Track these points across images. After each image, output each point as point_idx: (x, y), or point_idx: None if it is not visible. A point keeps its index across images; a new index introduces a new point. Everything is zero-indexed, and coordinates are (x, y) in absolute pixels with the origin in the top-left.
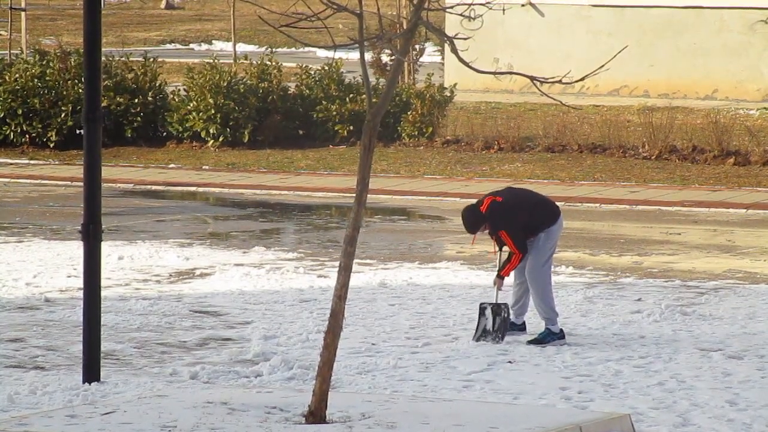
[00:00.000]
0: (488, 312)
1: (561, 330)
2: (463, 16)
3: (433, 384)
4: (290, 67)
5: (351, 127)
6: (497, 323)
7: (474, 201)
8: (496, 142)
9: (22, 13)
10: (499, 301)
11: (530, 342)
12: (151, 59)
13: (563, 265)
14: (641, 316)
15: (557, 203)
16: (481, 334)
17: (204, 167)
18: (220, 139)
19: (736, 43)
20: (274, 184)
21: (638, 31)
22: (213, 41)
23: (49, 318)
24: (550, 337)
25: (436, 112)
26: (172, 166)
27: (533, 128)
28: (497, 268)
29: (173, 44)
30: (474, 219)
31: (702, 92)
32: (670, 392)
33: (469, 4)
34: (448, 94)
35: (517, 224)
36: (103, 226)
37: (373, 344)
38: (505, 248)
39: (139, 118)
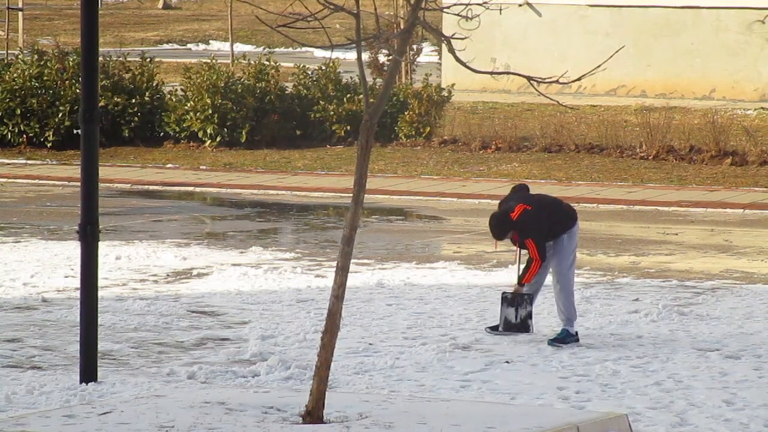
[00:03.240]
0: (510, 303)
1: (576, 332)
2: (461, 16)
3: (431, 384)
4: (287, 67)
5: (348, 127)
6: (520, 315)
7: (500, 209)
8: (494, 142)
9: (20, 13)
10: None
11: (551, 341)
12: (149, 59)
13: None
14: (638, 316)
15: None
16: (505, 326)
17: (201, 167)
18: (218, 139)
19: (733, 43)
20: (272, 184)
21: (635, 31)
22: (210, 41)
23: (47, 318)
24: (570, 337)
25: (433, 112)
26: (169, 166)
27: (530, 128)
28: (517, 277)
29: (170, 44)
30: (503, 225)
31: (699, 92)
32: (668, 392)
33: (466, 4)
34: (446, 94)
35: (543, 233)
36: (100, 226)
37: (370, 344)
38: (524, 254)
39: (136, 118)
